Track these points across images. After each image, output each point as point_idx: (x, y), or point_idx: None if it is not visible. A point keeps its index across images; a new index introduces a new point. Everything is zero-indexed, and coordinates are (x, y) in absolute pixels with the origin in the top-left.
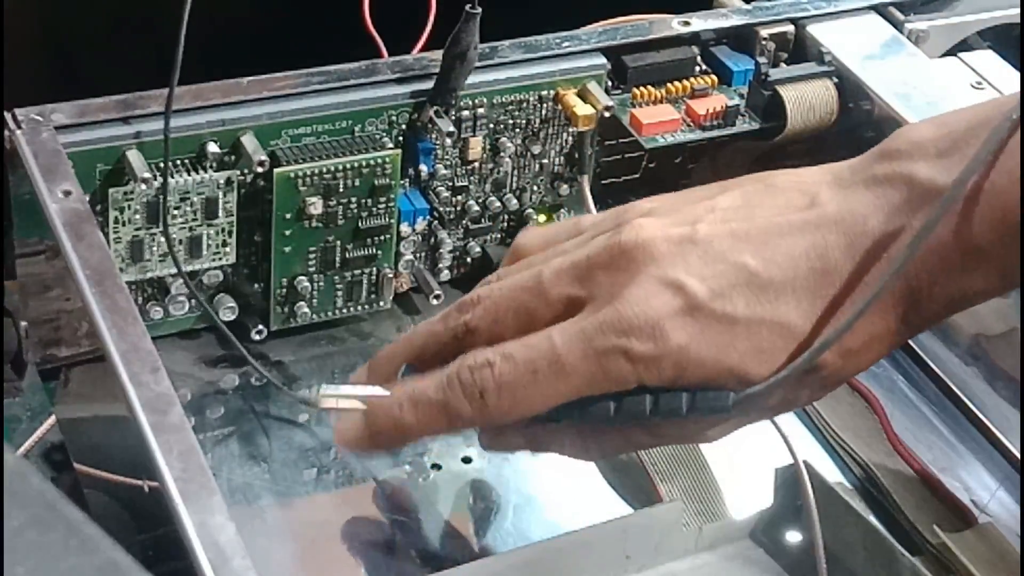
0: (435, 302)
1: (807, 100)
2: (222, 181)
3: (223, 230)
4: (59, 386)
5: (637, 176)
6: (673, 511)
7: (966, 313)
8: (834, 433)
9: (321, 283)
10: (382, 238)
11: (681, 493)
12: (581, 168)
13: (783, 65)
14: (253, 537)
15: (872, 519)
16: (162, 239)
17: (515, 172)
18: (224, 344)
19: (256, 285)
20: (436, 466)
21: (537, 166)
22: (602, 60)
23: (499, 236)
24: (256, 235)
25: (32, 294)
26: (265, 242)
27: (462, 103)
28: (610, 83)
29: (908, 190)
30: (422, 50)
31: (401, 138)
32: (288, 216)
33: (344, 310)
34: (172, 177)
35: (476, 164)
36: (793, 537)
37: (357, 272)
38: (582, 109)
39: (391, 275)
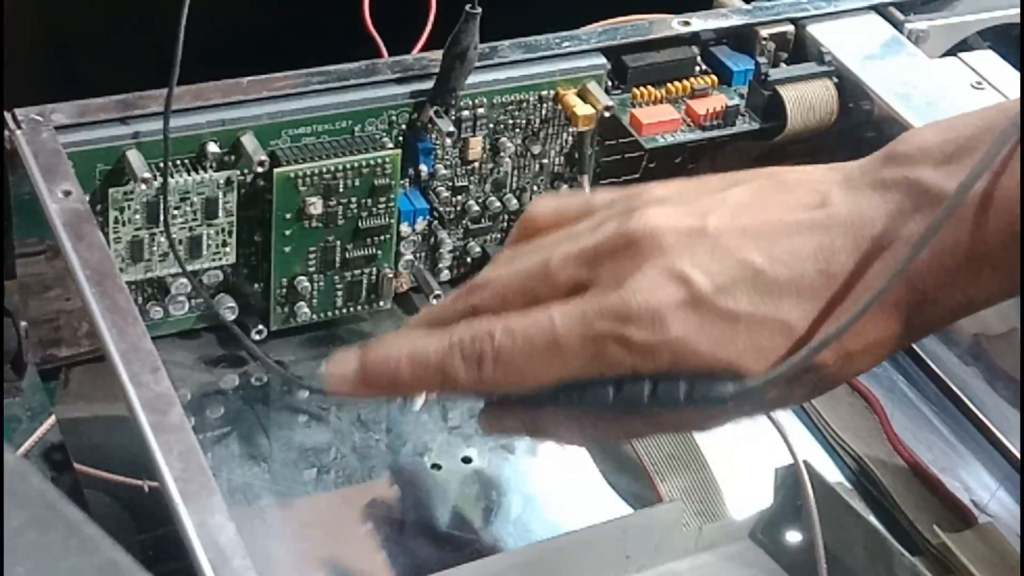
0: (435, 302)
1: (807, 100)
2: (222, 181)
3: (223, 230)
4: (59, 386)
5: (637, 176)
6: (673, 511)
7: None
8: (834, 433)
9: (321, 283)
10: (382, 238)
11: (681, 493)
12: (581, 168)
13: (783, 65)
14: (253, 537)
15: (872, 519)
16: (162, 239)
17: (515, 172)
18: (224, 344)
19: (256, 285)
20: (436, 466)
21: (537, 166)
22: (602, 60)
23: (499, 236)
24: (256, 235)
25: (32, 294)
26: (265, 242)
27: (462, 103)
28: (610, 83)
29: (915, 195)
30: (422, 50)
31: (401, 138)
32: (288, 216)
33: (344, 310)
34: (172, 177)
35: (476, 164)
36: (793, 537)
37: (357, 272)
38: (582, 109)
39: (391, 275)
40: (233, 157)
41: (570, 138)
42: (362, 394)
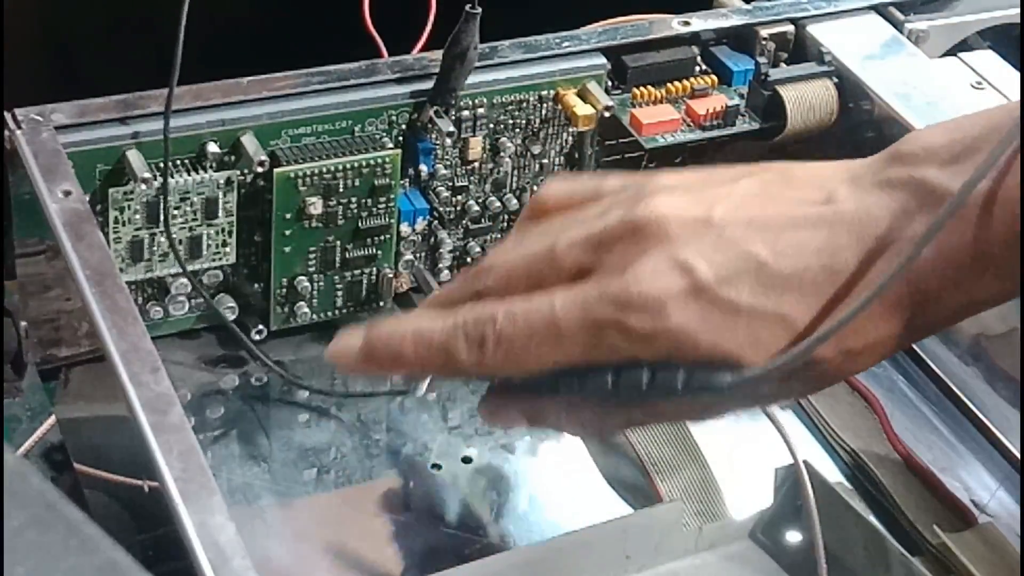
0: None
1: (807, 100)
2: (222, 181)
3: (223, 230)
4: (59, 386)
5: None
6: (673, 511)
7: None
8: (834, 433)
9: (321, 283)
10: (382, 238)
11: (681, 493)
12: (581, 168)
13: (783, 65)
14: (253, 537)
15: (872, 519)
16: (162, 239)
17: (515, 172)
18: (224, 344)
19: (256, 285)
20: (436, 466)
21: (537, 166)
22: (602, 60)
23: (499, 236)
24: (256, 235)
25: (32, 294)
26: (265, 242)
27: (462, 103)
28: (610, 83)
29: (920, 195)
30: (422, 50)
31: (401, 138)
32: (288, 216)
33: (344, 310)
34: (172, 177)
35: (476, 164)
36: (793, 537)
37: (357, 272)
38: (582, 109)
39: (391, 275)
40: (233, 157)
41: (570, 138)
42: (365, 370)
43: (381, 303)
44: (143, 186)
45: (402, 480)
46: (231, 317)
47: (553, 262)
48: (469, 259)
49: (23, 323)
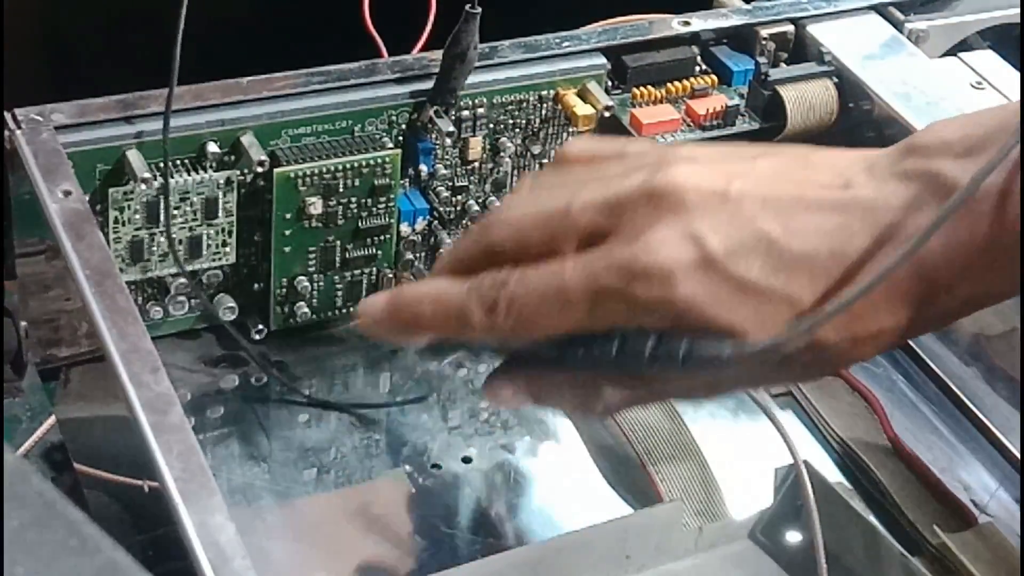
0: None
1: (807, 100)
2: (222, 181)
3: (223, 230)
4: (59, 386)
5: None
6: (673, 511)
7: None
8: (834, 433)
9: (321, 283)
10: (382, 238)
11: (681, 493)
12: None
13: (783, 65)
14: (253, 537)
15: (872, 519)
16: (162, 239)
17: (515, 172)
18: (224, 344)
19: (256, 285)
20: (436, 466)
21: (537, 166)
22: (602, 60)
23: None
24: (256, 235)
25: (32, 294)
26: (265, 242)
27: (462, 103)
28: (610, 83)
29: (933, 187)
30: (422, 50)
31: (401, 138)
32: (288, 216)
33: (344, 310)
34: (172, 177)
35: (476, 164)
36: (793, 537)
37: (357, 272)
38: (582, 109)
39: (391, 275)
40: (233, 157)
41: (570, 138)
42: (388, 330)
43: None
44: (143, 186)
45: (402, 480)
46: (231, 317)
47: (568, 220)
48: None
49: (23, 323)
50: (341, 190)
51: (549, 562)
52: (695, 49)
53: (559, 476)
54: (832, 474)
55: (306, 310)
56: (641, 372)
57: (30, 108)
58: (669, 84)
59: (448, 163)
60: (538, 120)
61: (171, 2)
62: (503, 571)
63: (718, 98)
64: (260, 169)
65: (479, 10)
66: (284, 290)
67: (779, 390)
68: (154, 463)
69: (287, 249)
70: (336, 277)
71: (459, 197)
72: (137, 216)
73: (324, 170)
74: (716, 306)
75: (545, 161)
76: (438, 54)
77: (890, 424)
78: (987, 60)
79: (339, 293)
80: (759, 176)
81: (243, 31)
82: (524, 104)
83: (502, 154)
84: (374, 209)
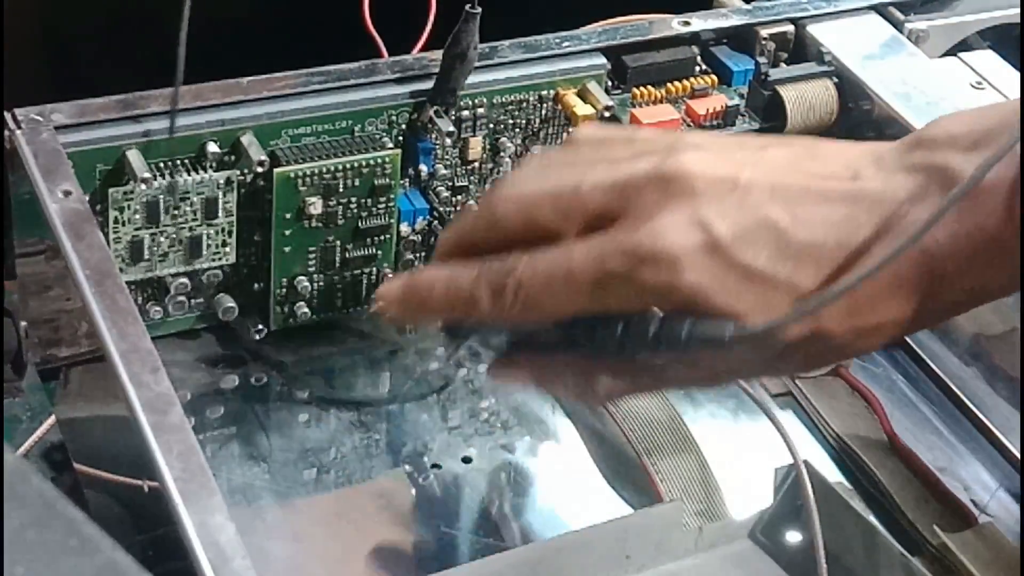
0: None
1: (807, 100)
2: (222, 181)
3: (223, 230)
4: (59, 386)
5: None
6: (673, 511)
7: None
8: (834, 433)
9: (321, 283)
10: (382, 238)
11: (681, 493)
12: None
13: (783, 65)
14: (253, 537)
15: (872, 519)
16: (162, 239)
17: None
18: (224, 344)
19: (256, 285)
20: (436, 466)
21: None
22: (602, 60)
23: None
24: (256, 235)
25: (32, 294)
26: (265, 242)
27: (462, 103)
28: (610, 83)
29: (940, 179)
30: (422, 50)
31: (401, 138)
32: (288, 216)
33: (344, 310)
34: (172, 177)
35: (476, 164)
36: (793, 537)
37: (357, 272)
38: (582, 109)
39: (391, 275)
40: (233, 157)
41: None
42: (402, 315)
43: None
44: (143, 186)
45: (402, 480)
46: (231, 317)
47: (577, 200)
48: None
49: (23, 323)
50: (341, 190)
51: (549, 562)
52: (695, 49)
53: (559, 476)
54: (832, 474)
55: (306, 310)
56: (645, 354)
57: (30, 108)
58: (669, 84)
59: (448, 163)
60: (538, 120)
61: (171, 2)
62: (503, 571)
63: (718, 98)
64: (260, 169)
65: (479, 10)
66: (284, 290)
67: (779, 390)
68: (154, 463)
69: (287, 249)
70: (336, 277)
71: (459, 197)
72: (137, 216)
73: (324, 170)
74: (721, 292)
75: None
76: (438, 54)
77: (890, 424)
78: (987, 60)
79: (339, 293)
80: (768, 165)
81: (243, 31)
82: (524, 104)
83: (502, 154)
84: (374, 209)
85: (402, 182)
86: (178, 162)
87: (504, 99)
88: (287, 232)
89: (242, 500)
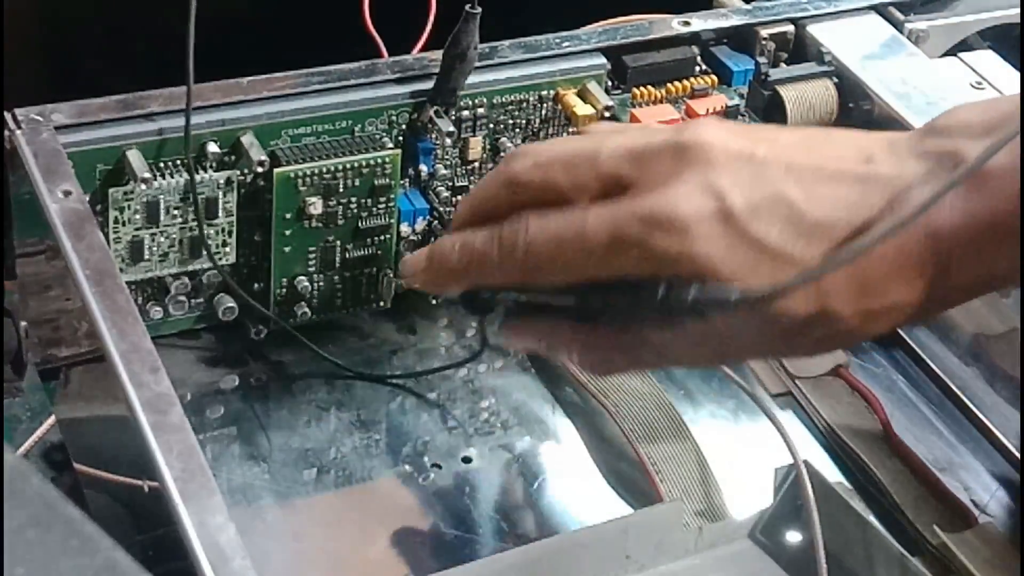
0: (435, 302)
1: (807, 100)
2: (222, 181)
3: (223, 230)
4: (59, 386)
5: None
6: (673, 511)
7: (966, 313)
8: (834, 433)
9: (321, 283)
10: (382, 238)
11: (681, 493)
12: None
13: (783, 65)
14: (253, 537)
15: (872, 519)
16: (162, 239)
17: None
18: (224, 344)
19: (256, 285)
20: (436, 466)
21: None
22: (602, 60)
23: None
24: (256, 235)
25: (32, 294)
26: (265, 242)
27: (462, 103)
28: (610, 83)
29: (952, 164)
30: (422, 50)
31: (401, 138)
32: (288, 216)
33: (344, 310)
34: (172, 177)
35: (476, 164)
36: (793, 537)
37: (357, 272)
38: (582, 109)
39: (391, 275)
40: (233, 157)
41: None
42: (424, 284)
43: (381, 303)
44: (143, 186)
45: (402, 480)
46: (231, 317)
47: (593, 163)
48: None
49: (23, 323)
50: (341, 190)
51: (549, 562)
52: (695, 49)
53: (559, 476)
54: (832, 474)
55: (306, 310)
56: (651, 318)
57: (30, 108)
58: (669, 84)
59: (448, 163)
60: (538, 120)
61: (171, 2)
62: (503, 571)
63: (718, 98)
64: (260, 169)
65: (479, 10)
66: (284, 290)
67: (779, 390)
68: (154, 463)
69: (287, 249)
70: (336, 277)
71: (459, 197)
72: (137, 216)
73: (324, 170)
74: (731, 263)
75: None
76: (438, 54)
77: (890, 424)
78: (987, 60)
79: (339, 293)
80: (783, 145)
81: (243, 31)
82: (524, 104)
83: (502, 154)
84: (374, 209)
85: (402, 182)
86: (178, 162)
87: (504, 99)
88: (287, 232)
89: (242, 500)
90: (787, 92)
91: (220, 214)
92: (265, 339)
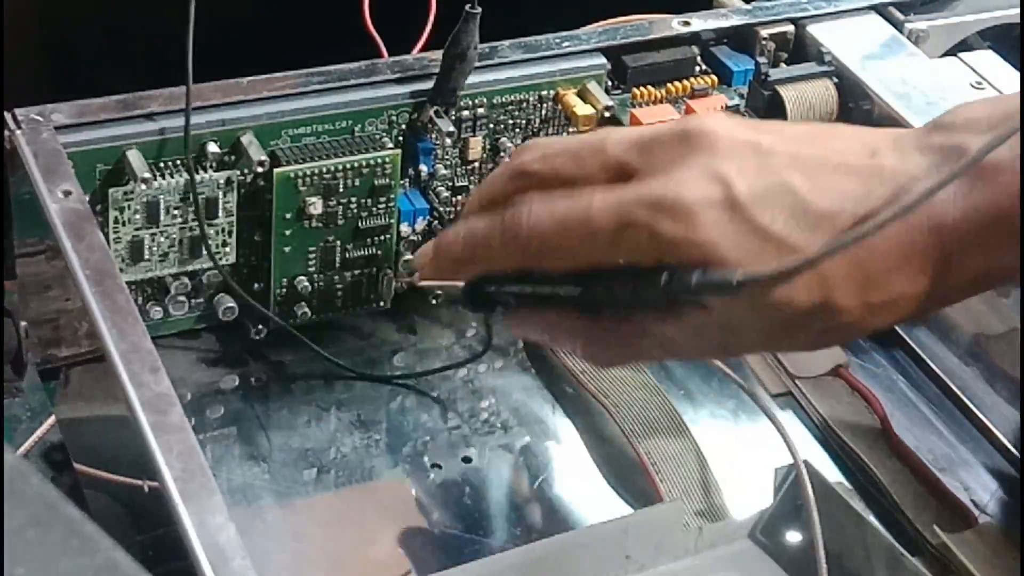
0: (435, 302)
1: (807, 100)
2: (222, 181)
3: (223, 230)
4: (59, 386)
5: None
6: (673, 511)
7: (966, 313)
8: (834, 433)
9: (321, 283)
10: (382, 238)
11: (681, 493)
12: None
13: (783, 65)
14: (253, 537)
15: (872, 519)
16: (162, 239)
17: None
18: (224, 344)
19: (256, 285)
20: (436, 466)
21: None
22: (602, 60)
23: None
24: (256, 235)
25: (32, 294)
26: (265, 242)
27: (462, 103)
28: (610, 83)
29: (956, 158)
30: (422, 50)
31: (401, 138)
32: (288, 216)
33: (344, 310)
34: (172, 177)
35: (476, 164)
36: (793, 537)
37: (357, 272)
38: (582, 109)
39: (391, 275)
40: (233, 157)
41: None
42: (432, 275)
43: (381, 303)
44: (143, 186)
45: (402, 480)
46: (231, 317)
47: (600, 151)
48: None
49: (23, 323)
50: (341, 190)
51: (549, 562)
52: (695, 49)
53: (559, 476)
54: (832, 474)
55: (306, 310)
56: (654, 305)
57: (30, 108)
58: (669, 84)
59: (448, 163)
60: (538, 120)
61: (171, 3)
62: (503, 571)
63: (718, 98)
64: (260, 169)
65: (479, 10)
66: (284, 290)
67: (779, 390)
68: (154, 463)
69: (287, 249)
70: (336, 277)
71: (459, 197)
72: (137, 216)
73: (324, 170)
74: (735, 250)
75: None
76: (438, 54)
77: (890, 424)
78: (987, 60)
79: (339, 293)
80: (789, 136)
81: (243, 31)
82: (524, 104)
83: (502, 154)
84: (374, 209)
85: (402, 182)
86: (178, 162)
87: (504, 99)
88: (287, 232)
89: (242, 500)
90: (787, 92)
91: (220, 214)
92: (265, 339)
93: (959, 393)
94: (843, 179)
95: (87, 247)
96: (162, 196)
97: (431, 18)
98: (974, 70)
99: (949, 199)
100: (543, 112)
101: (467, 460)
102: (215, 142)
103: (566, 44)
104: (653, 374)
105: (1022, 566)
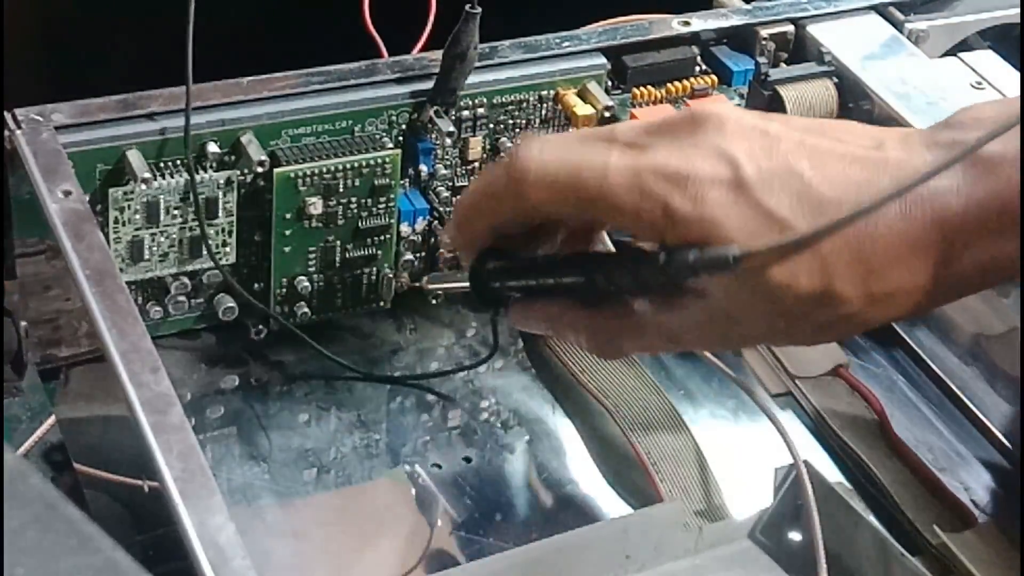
0: (435, 302)
1: (807, 100)
2: (222, 181)
3: (223, 230)
4: (59, 386)
5: None
6: (673, 511)
7: (966, 313)
8: (834, 433)
9: (321, 283)
10: (382, 238)
11: (681, 493)
12: None
13: (783, 65)
14: (253, 537)
15: (872, 519)
16: (162, 239)
17: None
18: (224, 344)
19: (256, 285)
20: (436, 466)
21: None
22: (602, 60)
23: None
24: (256, 235)
25: (32, 294)
26: (265, 242)
27: (462, 103)
28: (610, 83)
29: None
30: (422, 50)
31: (401, 138)
32: (288, 216)
33: (344, 310)
34: (172, 177)
35: (476, 164)
36: (793, 537)
37: (357, 272)
38: (582, 109)
39: (391, 275)
40: (233, 157)
41: None
42: (457, 236)
43: (381, 303)
44: (143, 186)
45: (402, 480)
46: (231, 317)
47: (610, 138)
48: None
49: (23, 323)
50: (341, 190)
51: (549, 562)
52: (695, 49)
53: (559, 476)
54: (832, 474)
55: (306, 310)
56: (655, 286)
57: (30, 108)
58: (669, 84)
59: (448, 163)
60: (538, 120)
61: (171, 3)
62: (503, 571)
63: (718, 98)
64: (260, 169)
65: (479, 10)
66: (284, 290)
67: (779, 390)
68: (154, 463)
69: (287, 249)
70: (336, 277)
71: (459, 197)
72: (137, 216)
73: (324, 170)
74: (739, 231)
75: None
76: (438, 54)
77: (890, 424)
78: (987, 60)
79: (339, 293)
80: (796, 126)
81: (243, 31)
82: (524, 104)
83: (502, 154)
84: (374, 209)
85: (402, 182)
86: (178, 162)
87: (504, 99)
88: (287, 232)
89: (242, 500)
90: (787, 92)
91: (220, 214)
92: (265, 339)
93: (959, 393)
94: (848, 168)
95: (87, 247)
96: (162, 196)
97: (431, 18)
98: (974, 70)
99: (952, 192)
100: (543, 112)
101: (467, 460)
102: (215, 142)
103: (566, 44)
104: (653, 374)
105: (1022, 566)
